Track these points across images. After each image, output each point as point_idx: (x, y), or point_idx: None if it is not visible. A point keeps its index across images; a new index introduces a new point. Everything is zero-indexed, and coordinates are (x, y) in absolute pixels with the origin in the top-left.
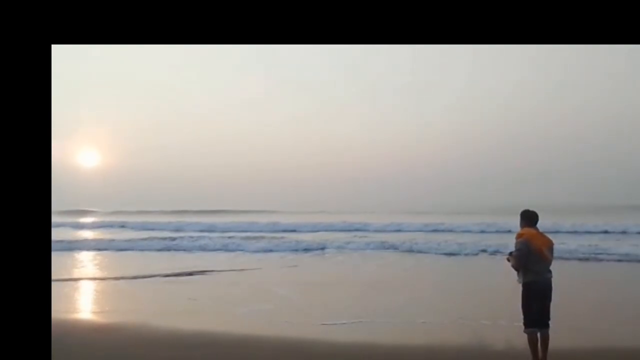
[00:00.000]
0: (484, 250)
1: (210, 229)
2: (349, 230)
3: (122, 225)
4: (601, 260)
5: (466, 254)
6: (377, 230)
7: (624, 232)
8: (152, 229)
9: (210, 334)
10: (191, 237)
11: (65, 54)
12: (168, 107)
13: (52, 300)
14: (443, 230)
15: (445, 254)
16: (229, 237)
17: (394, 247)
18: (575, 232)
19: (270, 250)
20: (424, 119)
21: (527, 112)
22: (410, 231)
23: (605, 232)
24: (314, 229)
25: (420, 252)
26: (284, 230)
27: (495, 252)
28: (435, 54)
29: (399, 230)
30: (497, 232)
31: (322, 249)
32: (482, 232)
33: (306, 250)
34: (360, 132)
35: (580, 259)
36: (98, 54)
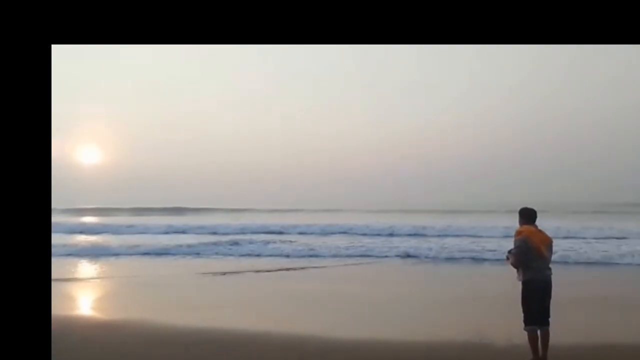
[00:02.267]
0: (501, 257)
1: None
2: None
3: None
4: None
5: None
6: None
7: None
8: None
9: (213, 330)
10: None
11: (65, 54)
12: (167, 106)
13: (54, 300)
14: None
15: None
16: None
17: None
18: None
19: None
20: (424, 118)
21: (527, 111)
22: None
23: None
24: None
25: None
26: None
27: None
28: (435, 53)
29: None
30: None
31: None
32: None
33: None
34: (361, 131)
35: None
36: (98, 54)
